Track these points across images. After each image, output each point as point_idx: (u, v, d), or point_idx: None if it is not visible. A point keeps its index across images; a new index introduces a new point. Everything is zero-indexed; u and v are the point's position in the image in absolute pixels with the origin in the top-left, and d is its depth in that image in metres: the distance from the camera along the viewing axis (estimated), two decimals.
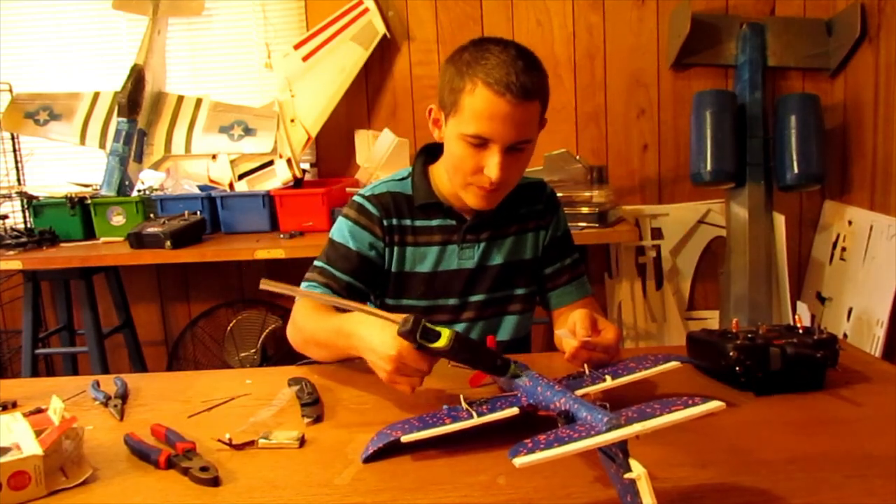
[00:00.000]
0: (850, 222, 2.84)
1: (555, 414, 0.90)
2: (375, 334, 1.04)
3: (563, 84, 3.05)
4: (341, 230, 1.38)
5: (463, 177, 1.28)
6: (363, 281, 1.36)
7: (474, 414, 0.95)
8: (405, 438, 0.90)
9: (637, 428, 0.73)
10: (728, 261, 2.92)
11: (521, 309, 1.44)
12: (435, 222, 1.39)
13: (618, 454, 0.73)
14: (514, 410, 0.96)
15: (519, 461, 0.72)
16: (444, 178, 1.37)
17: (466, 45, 1.27)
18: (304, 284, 1.35)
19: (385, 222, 1.37)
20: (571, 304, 1.44)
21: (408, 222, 1.38)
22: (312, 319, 1.26)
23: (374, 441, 0.94)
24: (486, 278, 1.40)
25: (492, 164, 1.22)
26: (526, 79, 1.19)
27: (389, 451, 0.93)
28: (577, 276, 1.47)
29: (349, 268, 1.34)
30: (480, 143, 1.22)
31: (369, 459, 0.92)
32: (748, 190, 2.84)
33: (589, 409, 0.82)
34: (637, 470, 0.71)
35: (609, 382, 1.02)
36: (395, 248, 1.38)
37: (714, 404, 0.76)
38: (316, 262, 1.38)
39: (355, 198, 1.41)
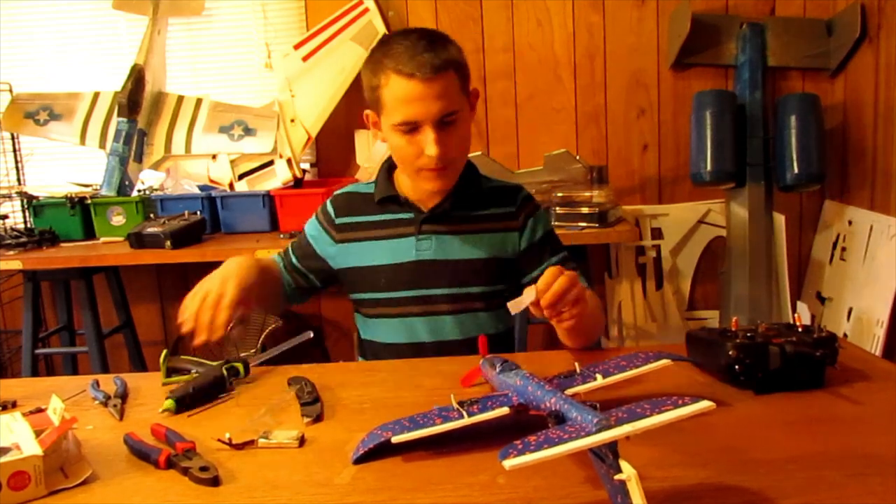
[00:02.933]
0: (850, 222, 2.84)
1: (545, 413, 0.90)
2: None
3: (563, 84, 3.05)
4: (309, 221, 1.54)
5: (410, 165, 1.34)
6: (307, 267, 1.50)
7: (465, 414, 0.95)
8: (395, 439, 0.90)
9: (627, 429, 0.73)
10: (728, 261, 2.92)
11: (483, 307, 1.43)
12: (392, 216, 1.44)
13: (608, 455, 0.73)
14: (505, 410, 0.95)
15: (508, 463, 0.71)
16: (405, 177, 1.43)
17: (375, 46, 1.36)
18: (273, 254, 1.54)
19: (338, 221, 1.47)
20: None
21: (363, 218, 1.45)
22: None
23: (365, 442, 0.93)
24: (446, 272, 1.42)
25: (428, 142, 1.28)
26: (430, 55, 1.26)
27: (384, 451, 0.93)
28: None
29: (301, 253, 1.51)
30: (411, 128, 1.29)
31: (360, 461, 0.91)
32: (748, 190, 2.84)
33: (579, 409, 0.82)
34: (627, 471, 0.71)
35: (600, 381, 1.02)
36: (351, 244, 1.45)
37: (703, 404, 0.75)
38: (289, 243, 1.56)
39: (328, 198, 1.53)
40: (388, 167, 1.48)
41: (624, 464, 0.72)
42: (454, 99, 1.29)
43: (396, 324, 1.44)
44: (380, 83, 1.29)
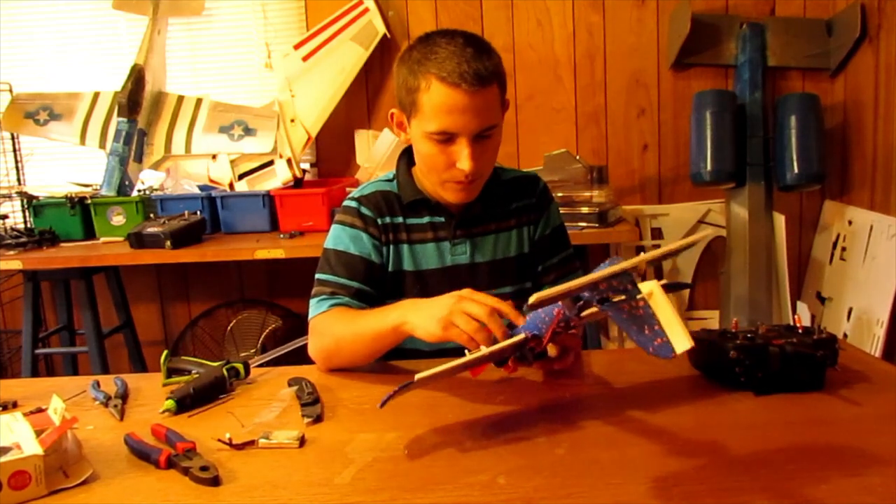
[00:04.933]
0: (850, 222, 2.84)
1: (559, 316, 0.92)
2: (433, 299, 1.11)
3: (563, 84, 3.05)
4: (339, 237, 1.37)
5: (437, 175, 1.28)
6: (371, 284, 1.34)
7: (483, 348, 0.98)
8: (418, 376, 0.92)
9: (643, 256, 0.73)
10: (728, 261, 2.92)
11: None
12: (425, 220, 1.38)
13: (626, 287, 0.72)
14: (521, 336, 0.98)
15: (534, 297, 0.74)
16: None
17: (414, 43, 1.26)
18: (312, 301, 1.33)
19: (379, 221, 1.36)
20: None
21: (400, 220, 1.37)
22: (344, 321, 1.26)
23: (391, 393, 0.96)
24: (481, 275, 1.39)
25: (462, 156, 1.22)
26: (478, 65, 1.18)
27: (390, 449, 0.93)
28: (564, 273, 1.44)
29: (355, 273, 1.33)
30: (447, 138, 1.22)
31: (385, 404, 0.96)
32: (748, 190, 2.84)
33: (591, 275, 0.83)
34: (648, 286, 0.70)
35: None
36: (392, 247, 1.37)
37: (707, 231, 0.79)
38: (318, 276, 1.35)
39: (347, 203, 1.39)
40: (407, 163, 1.39)
41: (643, 283, 0.71)
42: (494, 113, 1.23)
43: None
44: (419, 86, 1.21)
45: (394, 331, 1.16)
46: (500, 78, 1.25)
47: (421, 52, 1.23)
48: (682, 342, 0.69)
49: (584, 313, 0.96)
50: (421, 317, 1.11)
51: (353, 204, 1.38)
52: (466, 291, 1.09)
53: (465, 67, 1.17)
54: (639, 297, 0.70)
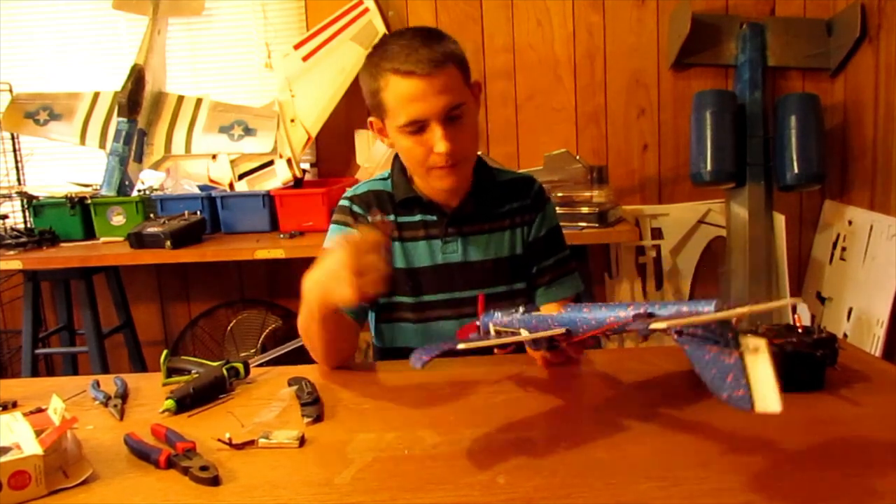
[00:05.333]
0: (850, 222, 2.84)
1: (605, 330, 0.87)
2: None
3: (563, 84, 3.05)
4: (333, 237, 1.40)
5: (421, 165, 1.31)
6: None
7: (523, 332, 0.97)
8: (461, 345, 0.91)
9: (746, 308, 0.72)
10: (728, 260, 2.93)
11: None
12: (417, 217, 1.39)
13: (726, 335, 0.71)
14: (562, 329, 0.96)
15: (655, 323, 0.72)
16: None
17: (371, 51, 1.33)
18: None
19: (372, 220, 1.38)
20: (549, 304, 1.42)
21: (391, 218, 1.39)
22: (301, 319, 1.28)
23: (428, 350, 0.93)
24: (474, 273, 1.40)
25: (436, 138, 1.26)
26: (427, 51, 1.23)
27: (390, 449, 0.93)
28: (559, 275, 1.45)
29: None
30: (418, 127, 1.26)
31: (425, 364, 0.93)
32: (748, 190, 2.84)
33: (676, 304, 0.79)
34: (756, 343, 0.69)
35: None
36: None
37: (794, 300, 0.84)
38: None
39: (341, 202, 1.43)
40: (402, 164, 1.41)
41: (751, 338, 0.70)
42: (458, 92, 1.27)
43: (417, 329, 1.40)
44: (380, 86, 1.27)
45: (320, 310, 1.18)
46: (456, 58, 1.28)
47: (377, 55, 1.29)
48: (770, 404, 0.68)
49: (651, 335, 0.92)
50: (324, 285, 1.10)
51: (346, 203, 1.42)
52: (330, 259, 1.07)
53: (414, 56, 1.23)
54: (738, 349, 0.69)
